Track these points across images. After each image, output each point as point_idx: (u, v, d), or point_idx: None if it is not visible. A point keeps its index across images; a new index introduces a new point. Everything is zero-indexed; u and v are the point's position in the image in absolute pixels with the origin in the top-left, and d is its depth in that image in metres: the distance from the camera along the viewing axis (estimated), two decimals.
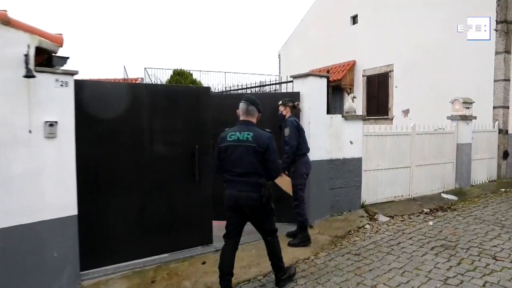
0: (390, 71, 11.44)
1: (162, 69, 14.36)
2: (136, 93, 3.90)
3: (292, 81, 5.59)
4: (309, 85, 5.26)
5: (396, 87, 11.27)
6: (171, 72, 13.11)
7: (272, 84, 6.58)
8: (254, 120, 3.30)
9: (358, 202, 5.99)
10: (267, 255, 3.45)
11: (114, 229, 3.80)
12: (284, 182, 4.51)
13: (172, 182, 4.13)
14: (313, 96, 5.28)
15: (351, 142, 5.81)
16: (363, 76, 12.55)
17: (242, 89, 6.64)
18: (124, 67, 16.77)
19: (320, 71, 10.80)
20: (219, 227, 5.15)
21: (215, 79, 16.87)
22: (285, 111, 4.83)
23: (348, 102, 5.94)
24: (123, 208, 3.84)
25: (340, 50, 13.23)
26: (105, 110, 3.69)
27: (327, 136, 5.51)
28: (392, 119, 11.26)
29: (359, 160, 5.93)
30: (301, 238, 4.56)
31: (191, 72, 13.26)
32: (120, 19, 51.86)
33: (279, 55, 18.13)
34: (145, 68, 16.20)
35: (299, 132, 4.57)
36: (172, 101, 4.12)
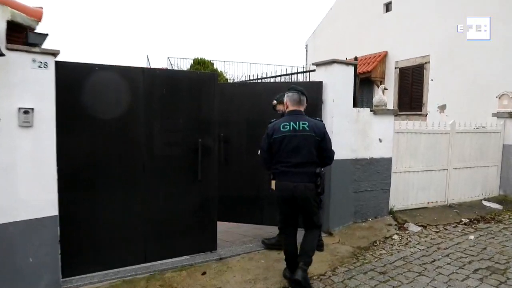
0: (425, 63, 10.45)
1: (186, 58, 14.00)
2: (130, 78, 3.43)
3: (314, 70, 4.97)
4: (333, 73, 4.61)
5: (432, 80, 10.29)
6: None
7: (293, 73, 5.96)
8: (303, 110, 3.28)
9: (385, 207, 5.30)
10: (301, 244, 3.24)
11: (103, 232, 3.36)
12: None
13: (171, 180, 3.65)
14: (337, 87, 4.63)
15: (380, 140, 5.12)
16: (395, 68, 11.60)
17: (260, 79, 6.07)
18: (147, 57, 16.65)
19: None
20: (225, 230, 4.68)
21: (239, 69, 16.35)
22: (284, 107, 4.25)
23: (378, 95, 5.24)
24: (113, 208, 3.39)
25: (371, 40, 12.29)
26: (94, 97, 3.23)
27: (353, 133, 4.85)
28: (426, 116, 10.30)
29: (388, 161, 5.24)
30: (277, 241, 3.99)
31: (212, 61, 12.79)
32: (145, 7, 52.14)
33: (306, 45, 17.32)
34: (168, 58, 15.95)
35: None
36: (173, 89, 3.61)
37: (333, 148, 4.44)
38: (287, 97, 3.27)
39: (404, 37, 11.13)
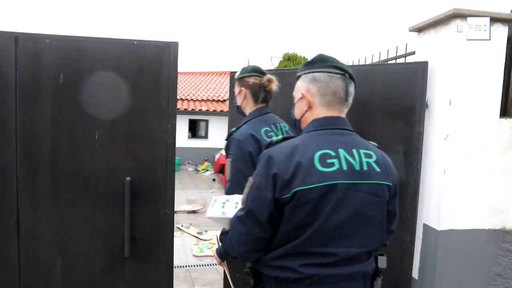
0: None
1: (276, 57, 12.50)
2: None
3: (413, 53, 2.50)
4: (455, 44, 2.13)
5: None
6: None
7: (383, 62, 3.48)
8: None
9: None
10: None
11: None
12: None
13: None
14: (465, 72, 2.13)
15: None
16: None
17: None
18: (248, 60, 15.82)
19: None
20: None
21: None
22: (242, 99, 1.95)
23: None
24: None
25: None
26: None
27: (496, 173, 2.22)
28: None
29: None
30: None
31: (306, 57, 10.79)
32: (247, 8, 52.31)
33: None
34: (271, 58, 14.72)
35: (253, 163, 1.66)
36: (78, 72, 1.80)
37: (447, 203, 2.27)
38: (316, 84, 1.24)
39: None
